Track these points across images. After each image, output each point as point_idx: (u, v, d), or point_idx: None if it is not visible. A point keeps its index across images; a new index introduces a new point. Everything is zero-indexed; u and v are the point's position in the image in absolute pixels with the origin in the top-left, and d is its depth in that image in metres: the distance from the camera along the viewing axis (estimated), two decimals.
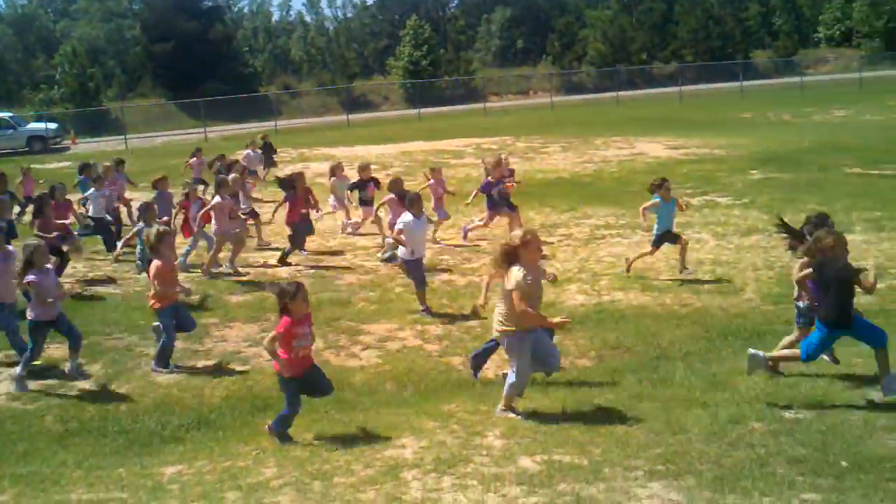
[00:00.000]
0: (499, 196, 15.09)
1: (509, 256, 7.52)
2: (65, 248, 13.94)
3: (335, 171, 17.67)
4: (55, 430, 8.53)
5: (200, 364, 10.22)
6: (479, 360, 9.24)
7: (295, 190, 14.90)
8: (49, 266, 9.85)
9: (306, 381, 7.71)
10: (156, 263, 9.76)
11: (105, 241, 16.41)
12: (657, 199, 12.60)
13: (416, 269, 11.61)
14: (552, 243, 15.23)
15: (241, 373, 9.89)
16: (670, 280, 12.75)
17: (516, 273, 7.41)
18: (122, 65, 72.10)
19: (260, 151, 25.79)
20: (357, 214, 17.38)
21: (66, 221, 14.77)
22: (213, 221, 14.49)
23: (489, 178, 15.18)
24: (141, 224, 13.37)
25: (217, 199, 14.32)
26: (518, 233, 7.72)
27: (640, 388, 8.54)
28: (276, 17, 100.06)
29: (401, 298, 12.55)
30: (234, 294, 13.25)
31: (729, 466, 6.33)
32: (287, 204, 15.01)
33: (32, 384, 9.73)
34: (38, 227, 13.28)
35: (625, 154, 27.56)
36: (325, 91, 62.80)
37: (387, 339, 10.91)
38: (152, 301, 9.84)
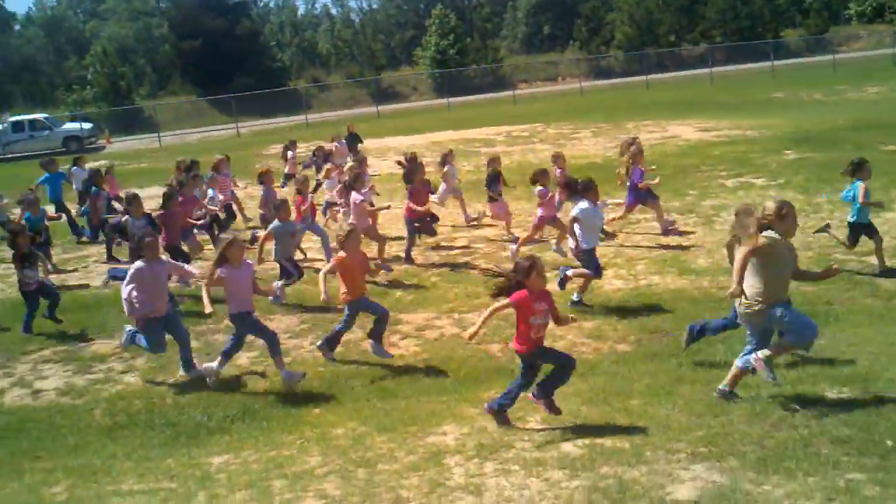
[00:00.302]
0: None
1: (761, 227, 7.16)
2: (184, 247, 13.58)
3: (447, 158, 16.82)
4: (104, 424, 8.72)
5: (244, 356, 10.36)
6: (698, 335, 8.77)
7: (413, 183, 14.18)
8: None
9: (540, 356, 7.43)
10: (340, 256, 9.55)
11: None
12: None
13: (590, 260, 11.08)
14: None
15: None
16: (707, 263, 12.68)
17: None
18: (152, 63, 72.83)
19: (345, 142, 24.93)
20: (477, 209, 16.79)
21: (200, 221, 14.64)
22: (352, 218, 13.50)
23: (639, 166, 14.26)
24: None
25: (354, 195, 13.57)
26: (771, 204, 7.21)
27: (681, 371, 8.55)
28: (301, 10, 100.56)
29: (436, 287, 12.62)
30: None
31: (772, 447, 6.33)
32: (408, 197, 14.16)
33: (80, 379, 9.95)
34: (161, 223, 12.83)
35: (656, 138, 27.36)
36: (354, 83, 62.96)
37: (425, 328, 10.98)
38: (343, 294, 9.60)
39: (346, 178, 14.50)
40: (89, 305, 13.06)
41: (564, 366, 7.31)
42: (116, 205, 16.97)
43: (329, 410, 8.51)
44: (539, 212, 13.30)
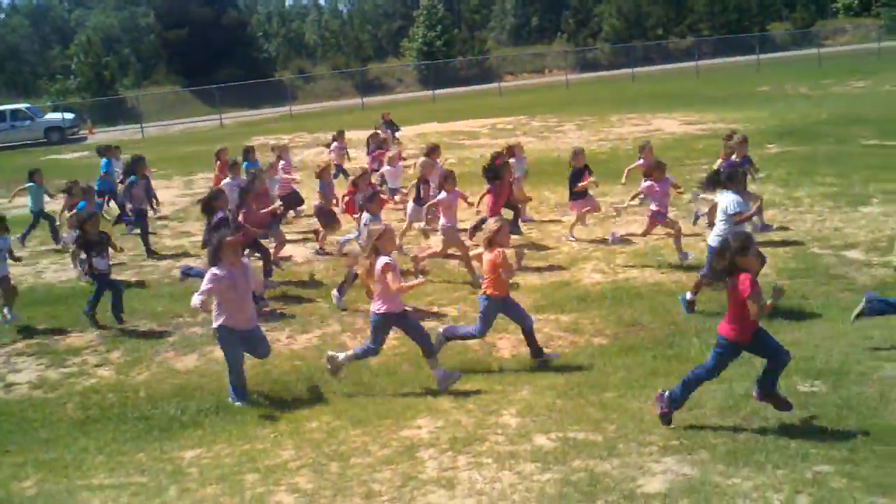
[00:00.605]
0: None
1: None
2: (269, 241, 13.18)
3: (514, 150, 15.99)
4: (76, 417, 8.66)
5: (219, 350, 10.29)
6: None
7: (501, 180, 13.22)
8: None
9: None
10: (499, 250, 8.89)
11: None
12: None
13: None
14: (564, 221, 15.17)
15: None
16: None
17: None
18: (136, 53, 72.32)
19: (388, 130, 23.81)
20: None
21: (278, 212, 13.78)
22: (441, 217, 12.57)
23: (734, 157, 13.59)
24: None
25: (442, 194, 12.49)
26: None
27: (656, 364, 8.56)
28: (289, 1, 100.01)
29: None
30: None
31: (742, 440, 6.37)
32: (489, 195, 13.21)
33: (53, 373, 9.89)
34: (244, 221, 12.01)
35: (640, 131, 27.40)
36: (340, 74, 62.74)
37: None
38: (488, 289, 8.91)
39: (421, 172, 14.21)
40: (66, 297, 12.97)
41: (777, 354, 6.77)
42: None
43: (304, 404, 8.47)
44: (652, 206, 12.46)
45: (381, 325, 8.61)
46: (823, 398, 7.06)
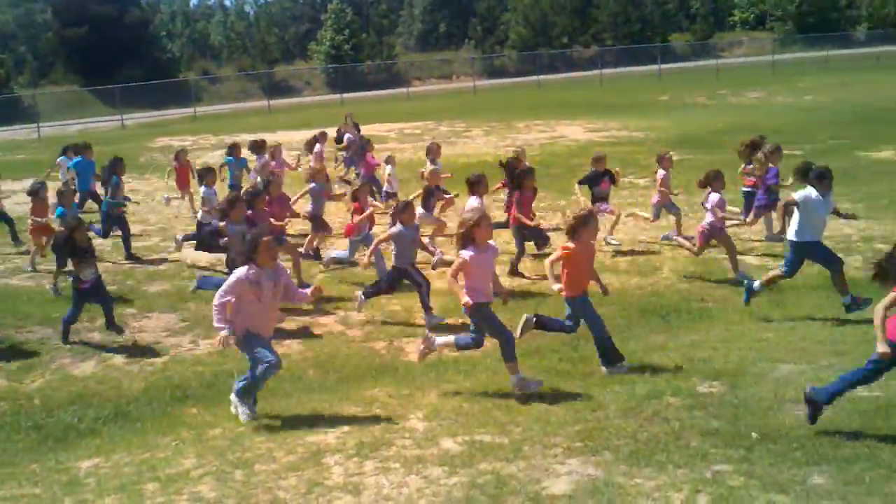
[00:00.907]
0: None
1: None
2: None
3: (520, 157, 15.40)
4: None
5: (118, 356, 10.02)
6: None
7: (524, 186, 12.64)
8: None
9: None
10: (570, 245, 8.35)
11: None
12: None
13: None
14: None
15: (160, 363, 9.74)
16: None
17: None
18: (33, 50, 69.67)
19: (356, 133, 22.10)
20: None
21: (283, 223, 12.71)
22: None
23: (771, 165, 13.14)
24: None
25: (474, 199, 11.96)
26: None
27: (561, 366, 8.69)
28: (194, 1, 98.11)
29: (322, 284, 12.46)
30: (153, 284, 13.01)
31: (644, 441, 6.49)
32: (513, 205, 12.70)
33: None
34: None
35: (546, 137, 27.82)
36: (246, 76, 61.84)
37: (310, 325, 10.85)
38: (562, 289, 8.45)
39: (429, 179, 13.83)
40: None
41: None
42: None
43: (206, 410, 8.29)
44: (708, 217, 11.71)
45: (478, 315, 8.04)
46: (721, 399, 7.27)
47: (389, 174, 16.98)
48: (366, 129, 33.10)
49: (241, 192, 13.67)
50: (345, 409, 7.93)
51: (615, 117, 32.23)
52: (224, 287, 7.59)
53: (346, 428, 7.34)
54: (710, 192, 11.69)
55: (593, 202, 13.50)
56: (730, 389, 7.50)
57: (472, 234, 7.85)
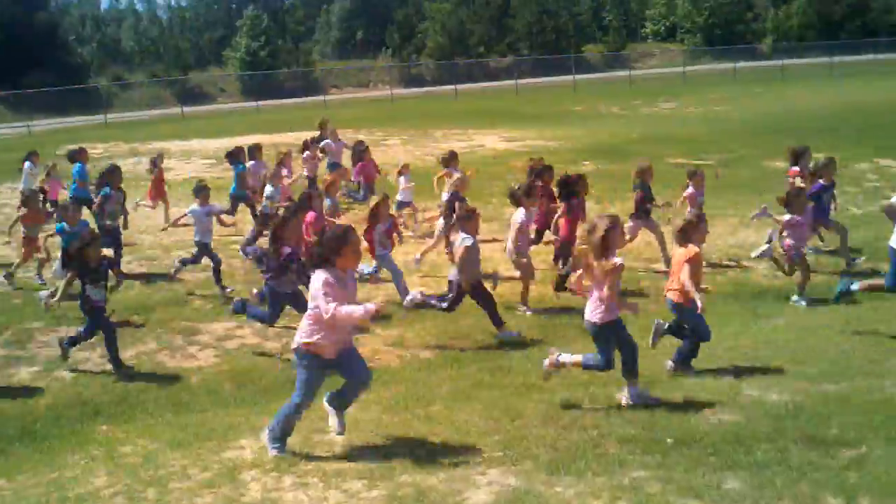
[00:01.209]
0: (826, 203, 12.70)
1: None
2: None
3: (530, 166, 14.22)
4: None
5: (24, 371, 9.66)
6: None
7: (577, 196, 11.89)
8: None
9: None
10: (695, 249, 8.06)
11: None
12: None
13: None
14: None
15: (69, 378, 9.42)
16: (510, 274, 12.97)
17: None
18: None
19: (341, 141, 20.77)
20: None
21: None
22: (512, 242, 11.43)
23: (821, 180, 12.58)
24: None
25: (521, 213, 11.36)
26: None
27: (480, 376, 8.70)
28: (104, 4, 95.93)
29: (238, 295, 12.24)
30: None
31: (564, 449, 6.54)
32: (564, 216, 11.93)
33: None
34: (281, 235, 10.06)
35: (463, 146, 27.95)
36: (158, 83, 60.71)
37: (225, 338, 10.65)
38: (672, 293, 8.15)
39: (455, 187, 13.16)
40: None
41: None
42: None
43: (118, 427, 8.05)
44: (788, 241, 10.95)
45: (600, 336, 7.48)
46: (637, 406, 7.38)
47: (404, 184, 16.27)
48: (282, 138, 32.87)
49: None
50: (262, 423, 7.76)
51: (531, 126, 32.61)
52: (325, 295, 6.44)
53: (263, 442, 7.20)
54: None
55: (637, 218, 13.05)
56: None
57: (610, 241, 7.20)
